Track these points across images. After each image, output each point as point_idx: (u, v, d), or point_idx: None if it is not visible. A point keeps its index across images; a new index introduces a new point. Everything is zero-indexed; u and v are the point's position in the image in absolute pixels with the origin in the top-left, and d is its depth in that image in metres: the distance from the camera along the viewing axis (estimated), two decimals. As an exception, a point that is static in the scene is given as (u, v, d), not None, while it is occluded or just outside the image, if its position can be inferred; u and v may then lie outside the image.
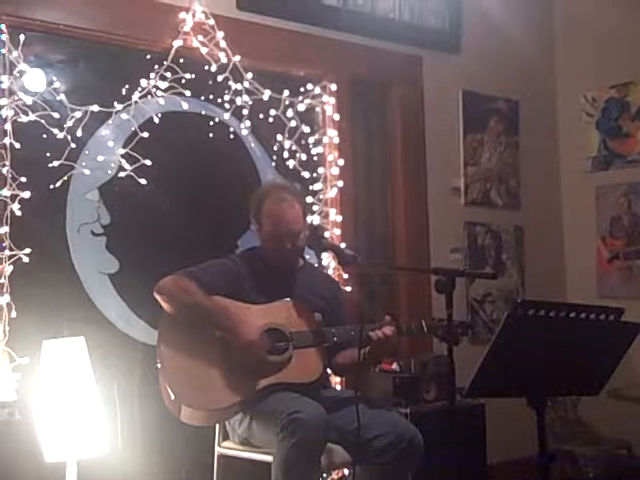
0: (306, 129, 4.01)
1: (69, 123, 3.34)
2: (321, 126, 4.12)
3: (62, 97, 3.32)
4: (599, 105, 5.00)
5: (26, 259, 3.16)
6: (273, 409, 2.83)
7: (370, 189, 4.40)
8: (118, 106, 3.46)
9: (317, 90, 4.08)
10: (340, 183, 4.09)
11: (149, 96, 3.55)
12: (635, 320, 2.33)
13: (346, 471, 3.58)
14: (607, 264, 4.92)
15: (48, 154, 3.30)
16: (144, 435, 3.42)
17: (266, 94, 3.84)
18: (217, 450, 3.17)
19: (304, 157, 4.01)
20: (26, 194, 3.18)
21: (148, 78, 3.53)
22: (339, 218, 4.07)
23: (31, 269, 3.18)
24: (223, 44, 3.68)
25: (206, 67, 3.68)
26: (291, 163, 3.98)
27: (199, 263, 3.07)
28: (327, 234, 3.97)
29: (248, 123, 3.84)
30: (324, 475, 3.65)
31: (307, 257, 3.36)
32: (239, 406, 2.94)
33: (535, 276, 4.94)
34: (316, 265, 3.77)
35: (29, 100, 3.24)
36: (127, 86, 3.50)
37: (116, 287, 3.49)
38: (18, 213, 3.17)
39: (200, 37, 3.64)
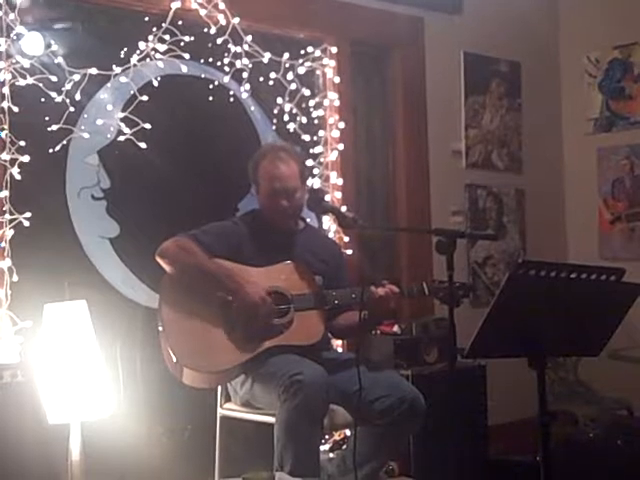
0: (306, 92, 3.98)
1: (67, 86, 3.31)
2: (321, 89, 4.10)
3: (60, 60, 3.29)
4: (602, 66, 4.96)
5: (26, 223, 3.16)
6: (274, 371, 2.84)
7: (371, 152, 4.39)
8: (117, 69, 3.44)
9: (317, 53, 4.05)
10: (341, 146, 4.08)
11: (148, 59, 3.52)
12: (636, 281, 2.32)
13: (348, 432, 3.60)
14: (609, 226, 4.92)
15: (47, 118, 3.28)
16: (147, 397, 3.44)
17: (266, 57, 3.81)
18: (219, 411, 3.20)
19: (304, 120, 3.99)
20: (25, 158, 3.17)
21: (147, 41, 3.50)
22: (340, 181, 4.06)
23: (32, 233, 3.18)
24: (222, 6, 3.64)
25: (205, 29, 3.65)
26: (291, 126, 3.96)
27: (199, 226, 3.07)
28: (328, 197, 3.97)
29: (248, 86, 3.82)
30: (326, 436, 3.68)
31: (308, 220, 3.36)
32: (240, 368, 2.95)
33: (536, 239, 4.94)
34: (317, 228, 3.76)
35: (27, 63, 3.21)
36: (125, 49, 3.47)
37: (117, 251, 3.49)
38: (18, 177, 3.16)
39: (199, -2, 3.61)
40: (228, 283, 2.93)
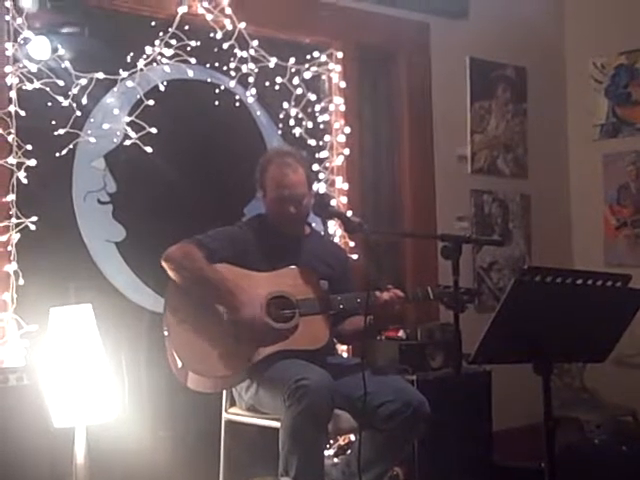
0: (312, 97, 3.99)
1: (74, 91, 3.31)
2: (327, 94, 4.11)
3: (67, 64, 3.30)
4: (608, 72, 4.96)
5: (33, 227, 3.17)
6: (280, 376, 2.84)
7: (377, 157, 4.39)
8: (123, 74, 3.45)
9: (323, 58, 4.06)
10: (346, 151, 4.08)
11: (154, 63, 3.53)
12: (642, 287, 2.32)
13: (352, 437, 3.60)
14: (614, 232, 4.91)
15: (53, 122, 3.29)
16: (152, 401, 3.45)
17: (272, 62, 3.82)
18: (224, 416, 3.20)
19: (310, 125, 4.00)
20: (32, 162, 3.18)
21: (153, 45, 3.51)
22: (345, 186, 4.06)
23: (38, 237, 3.18)
24: (228, 11, 3.65)
25: (211, 34, 3.66)
26: (297, 131, 3.96)
27: (205, 231, 3.07)
28: (333, 202, 3.97)
29: (254, 91, 3.82)
30: (331, 441, 3.67)
31: (313, 225, 3.36)
32: (246, 373, 2.95)
33: (542, 244, 4.94)
34: (323, 233, 3.76)
35: (34, 68, 3.23)
36: (132, 53, 3.48)
37: (123, 255, 3.49)
38: (24, 181, 3.17)
39: (205, 3, 3.62)
40: (226, 297, 2.92)
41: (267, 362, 2.92)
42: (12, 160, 3.16)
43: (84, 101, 3.35)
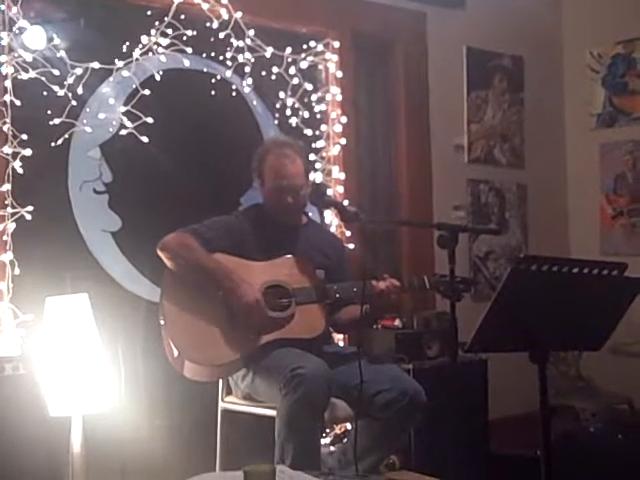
0: (309, 86, 3.99)
1: (70, 80, 3.31)
2: (324, 83, 4.10)
3: (62, 54, 3.29)
4: (605, 61, 4.96)
5: (28, 217, 3.17)
6: (276, 365, 2.85)
7: (373, 146, 4.39)
8: (119, 63, 3.44)
9: (320, 47, 4.05)
10: (343, 140, 4.08)
11: (150, 53, 3.52)
12: (638, 276, 2.32)
13: (349, 425, 3.61)
14: (611, 221, 4.92)
15: (49, 111, 3.28)
16: (148, 390, 3.45)
17: (268, 51, 3.81)
18: (220, 405, 3.20)
19: (307, 115, 3.99)
20: (27, 152, 3.17)
21: (149, 35, 3.51)
22: (342, 175, 4.07)
23: (34, 226, 3.18)
24: (224, 0, 3.64)
25: (207, 24, 3.65)
26: (294, 121, 3.96)
27: (201, 221, 3.07)
28: (330, 191, 3.97)
29: (250, 80, 3.82)
30: (327, 429, 3.68)
31: (310, 214, 3.36)
32: (242, 362, 2.96)
33: (538, 234, 4.94)
34: (319, 223, 3.76)
35: (29, 57, 3.22)
36: (128, 43, 3.47)
37: (119, 245, 3.49)
38: (20, 171, 3.17)
39: (201, -8, 3.61)
40: (224, 282, 2.92)
41: (263, 351, 2.92)
42: (7, 150, 3.15)
43: (80, 91, 3.34)
